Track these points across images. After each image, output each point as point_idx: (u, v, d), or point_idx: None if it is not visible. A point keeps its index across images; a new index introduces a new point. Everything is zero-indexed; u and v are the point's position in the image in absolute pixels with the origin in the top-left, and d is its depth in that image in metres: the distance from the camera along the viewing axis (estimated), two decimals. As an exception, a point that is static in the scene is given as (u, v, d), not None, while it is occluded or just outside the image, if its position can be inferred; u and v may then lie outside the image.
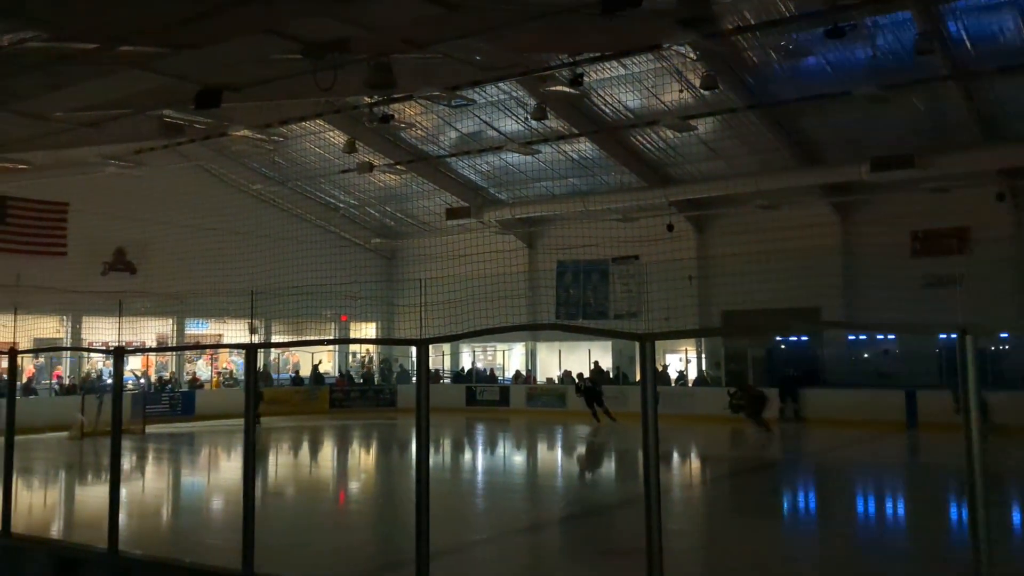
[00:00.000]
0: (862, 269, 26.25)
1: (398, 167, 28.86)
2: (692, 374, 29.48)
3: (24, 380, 25.57)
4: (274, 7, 10.14)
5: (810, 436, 22.17)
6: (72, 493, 15.33)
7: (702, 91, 21.20)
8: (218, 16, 10.02)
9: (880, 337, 26.26)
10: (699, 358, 30.31)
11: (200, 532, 11.19)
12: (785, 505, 13.61)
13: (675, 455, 18.62)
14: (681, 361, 30.24)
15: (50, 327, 28.91)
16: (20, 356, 12.99)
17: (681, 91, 22.63)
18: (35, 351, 26.73)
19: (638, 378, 25.28)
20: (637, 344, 4.64)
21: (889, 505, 13.30)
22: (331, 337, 35.46)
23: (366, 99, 20.94)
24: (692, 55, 20.42)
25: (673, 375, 29.38)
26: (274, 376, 32.65)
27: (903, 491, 14.62)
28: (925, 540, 10.40)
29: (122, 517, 7.45)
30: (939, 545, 10.02)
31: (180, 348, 33.64)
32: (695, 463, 18.65)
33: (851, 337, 27.01)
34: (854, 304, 26.18)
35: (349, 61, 12.81)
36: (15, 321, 26.16)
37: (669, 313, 26.81)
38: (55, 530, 11.36)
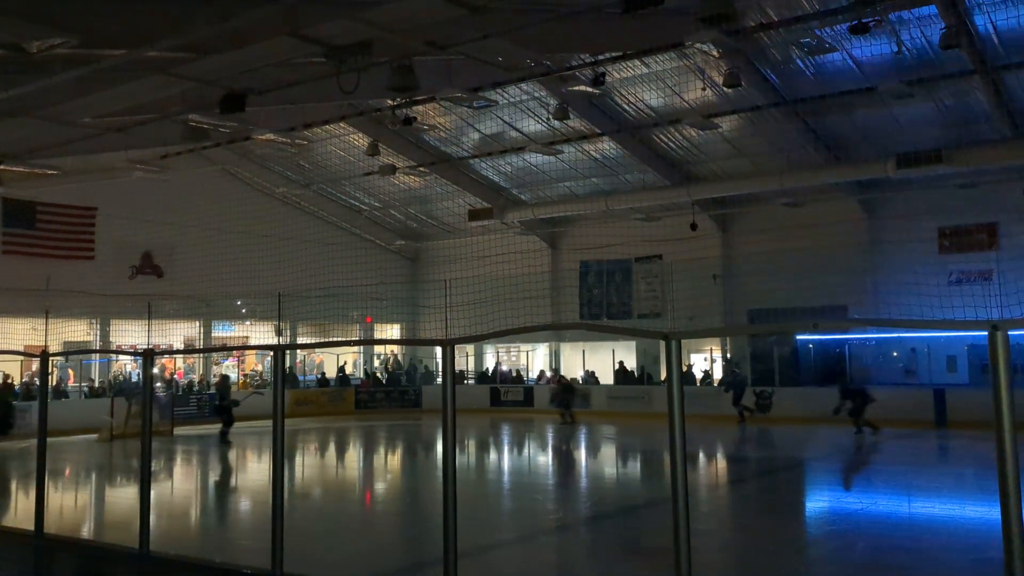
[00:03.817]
0: (889, 266, 26.00)
1: (420, 169, 28.96)
2: (717, 373, 29.33)
3: (54, 383, 25.89)
4: (298, 10, 10.22)
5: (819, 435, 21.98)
6: (102, 494, 15.51)
7: (725, 89, 21.09)
8: (242, 19, 10.11)
9: (908, 335, 26.01)
10: (724, 357, 30.16)
11: (229, 533, 11.29)
12: (810, 505, 13.52)
13: (701, 455, 18.55)
14: (706, 360, 30.11)
15: (80, 330, 29.26)
16: (51, 359, 13.15)
17: (704, 89, 22.53)
18: (65, 354, 27.04)
19: (663, 378, 25.24)
20: (662, 343, 4.63)
21: (917, 504, 13.17)
22: (356, 338, 35.64)
23: (388, 101, 21.02)
24: (714, 53, 20.31)
25: (698, 375, 29.27)
26: (300, 377, 32.84)
27: (932, 490, 14.46)
28: (954, 540, 10.29)
29: (152, 518, 7.53)
30: (968, 545, 9.90)
31: (208, 350, 33.92)
32: (721, 463, 18.56)
33: (878, 335, 26.78)
34: (881, 302, 25.95)
35: (372, 64, 12.87)
36: (47, 325, 26.49)
37: (694, 312, 26.70)
38: (86, 531, 11.50)
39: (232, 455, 21.03)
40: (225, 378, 27.80)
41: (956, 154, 21.99)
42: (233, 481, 17.26)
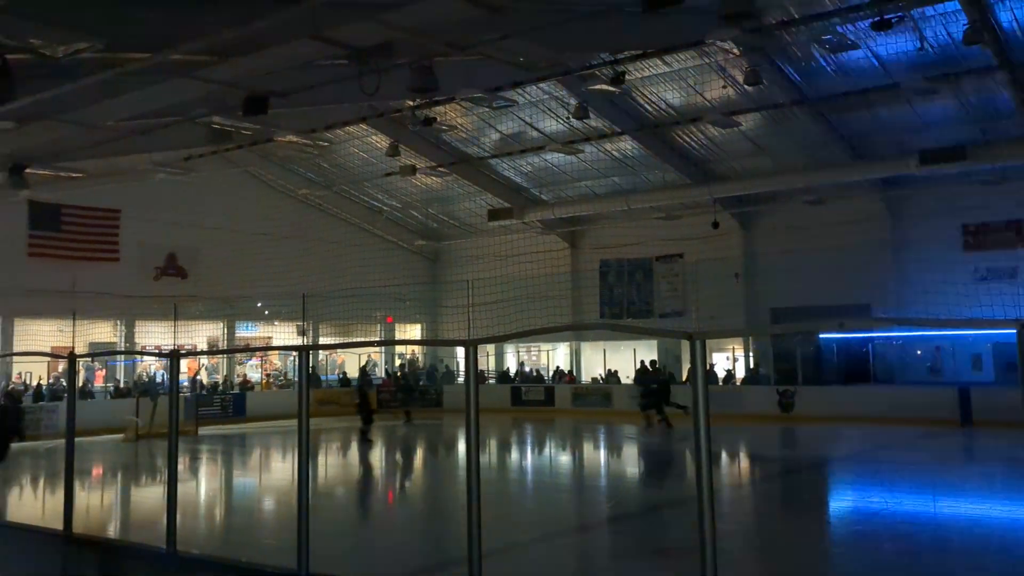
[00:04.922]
0: (913, 264, 25.81)
1: (440, 169, 29.03)
2: (740, 373, 29.23)
3: (81, 383, 26.16)
4: (319, 13, 10.28)
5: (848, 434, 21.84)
6: (129, 494, 15.66)
7: (746, 87, 21.01)
8: (265, 22, 10.18)
9: (932, 333, 25.80)
10: (747, 356, 30.04)
11: (255, 532, 11.37)
12: (835, 504, 13.44)
13: (724, 455, 18.47)
14: (728, 360, 29.99)
15: (105, 332, 29.55)
16: (78, 360, 13.28)
17: (724, 87, 22.46)
18: (92, 355, 27.31)
19: (685, 377, 25.14)
20: (684, 343, 4.62)
21: (945, 503, 13.07)
22: (378, 339, 35.77)
23: (408, 102, 21.09)
24: (735, 50, 20.25)
25: (721, 374, 29.17)
26: (322, 377, 33.00)
27: (961, 489, 14.34)
28: (984, 539, 10.21)
29: (179, 517, 7.59)
30: (995, 545, 9.82)
31: (233, 351, 34.12)
32: (744, 462, 18.49)
33: (902, 333, 26.58)
34: (905, 300, 25.77)
35: (393, 65, 12.93)
36: (73, 326, 26.76)
37: (716, 311, 26.62)
38: (113, 530, 11.62)
39: (256, 455, 21.14)
40: (364, 372, 27.97)
41: (980, 150, 21.82)
42: (257, 480, 17.39)
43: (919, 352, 27.36)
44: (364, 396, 22.21)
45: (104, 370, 29.82)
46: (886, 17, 15.96)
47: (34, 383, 27.05)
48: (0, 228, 25.01)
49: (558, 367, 33.87)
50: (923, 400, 22.59)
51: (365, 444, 20.46)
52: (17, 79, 10.94)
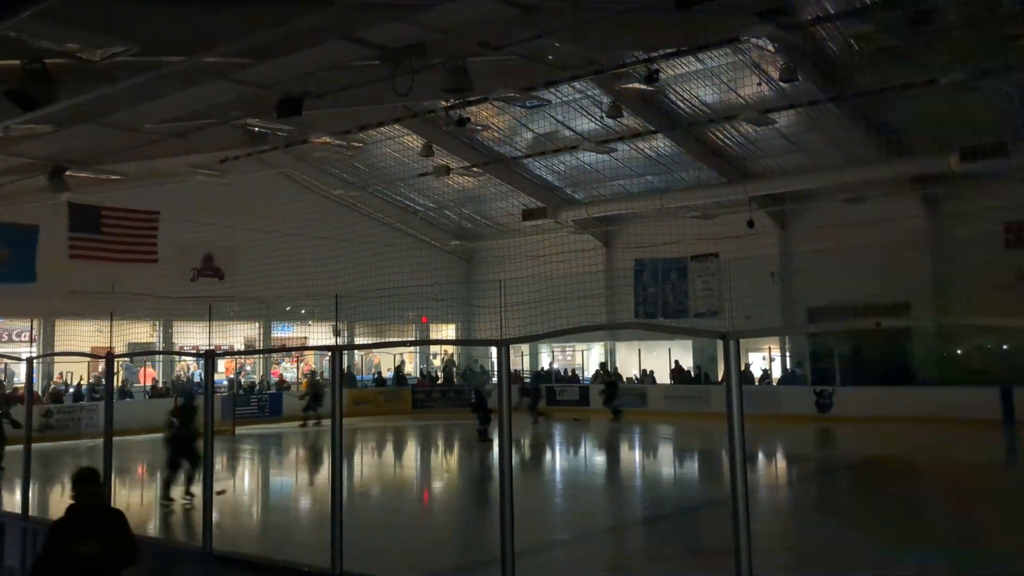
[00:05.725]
0: (952, 262, 25.35)
1: (474, 169, 29.04)
2: (776, 372, 28.93)
3: (119, 384, 26.51)
4: (352, 14, 10.30)
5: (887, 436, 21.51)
6: (167, 493, 15.80)
7: (781, 84, 20.78)
8: (298, 23, 10.23)
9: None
10: (783, 356, 29.72)
11: (290, 531, 11.45)
12: (871, 506, 13.25)
13: (760, 455, 18.30)
14: (764, 360, 29.70)
15: (143, 332, 29.94)
16: (117, 360, 13.44)
17: (759, 84, 22.24)
18: (130, 355, 27.67)
19: (720, 377, 25.10)
20: (720, 342, 4.57)
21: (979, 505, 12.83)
22: (412, 339, 35.90)
23: (442, 103, 21.11)
24: (770, 47, 20.04)
25: (757, 374, 28.90)
26: (358, 377, 33.17)
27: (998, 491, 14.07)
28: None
29: (215, 516, 7.66)
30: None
31: (268, 351, 34.43)
32: (781, 463, 18.30)
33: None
34: (945, 298, 25.33)
35: (426, 66, 12.94)
36: (111, 327, 27.15)
37: (751, 311, 26.36)
38: (152, 529, 11.76)
39: (291, 454, 21.29)
40: (483, 374, 29.26)
41: (1021, 146, 21.36)
42: (293, 480, 17.51)
43: (959, 351, 26.88)
44: (480, 395, 22.22)
45: (155, 371, 30.26)
46: (923, 11, 15.70)
47: (75, 383, 27.49)
48: (42, 230, 25.40)
49: (597, 370, 33.61)
50: (964, 400, 22.19)
51: (484, 443, 20.51)
52: (57, 83, 11.10)
